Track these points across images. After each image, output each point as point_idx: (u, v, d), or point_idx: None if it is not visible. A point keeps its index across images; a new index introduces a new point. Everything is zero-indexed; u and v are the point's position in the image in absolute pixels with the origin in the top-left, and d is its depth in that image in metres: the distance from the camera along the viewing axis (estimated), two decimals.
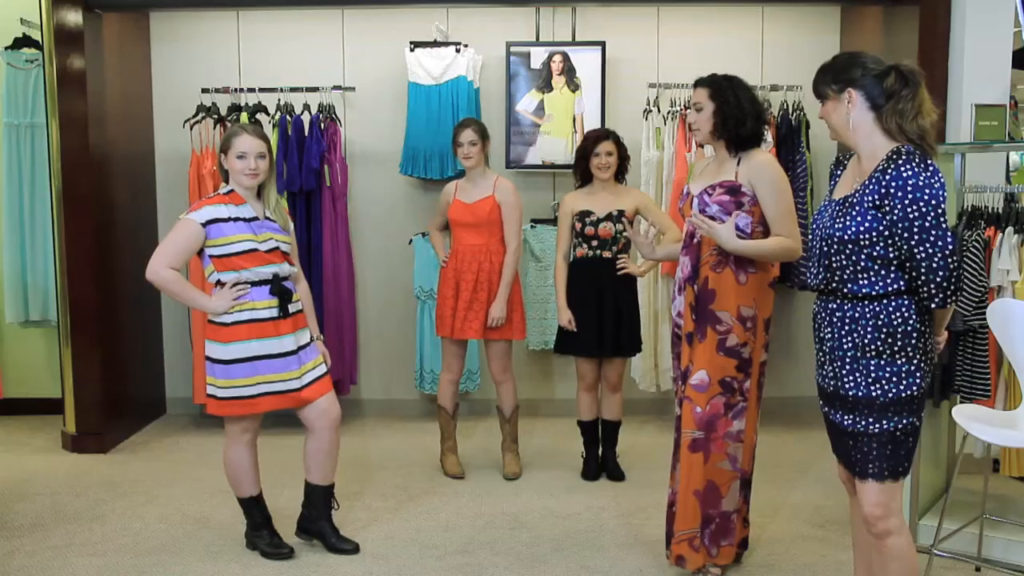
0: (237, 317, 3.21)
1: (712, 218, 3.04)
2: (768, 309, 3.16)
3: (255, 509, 3.49)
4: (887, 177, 2.31)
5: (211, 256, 3.25)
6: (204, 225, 3.21)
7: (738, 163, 3.11)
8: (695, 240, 3.12)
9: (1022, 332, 3.12)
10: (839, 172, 2.59)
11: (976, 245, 3.54)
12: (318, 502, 3.48)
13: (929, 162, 2.31)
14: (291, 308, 3.30)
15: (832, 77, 2.44)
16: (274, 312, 3.24)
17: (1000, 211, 3.73)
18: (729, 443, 3.13)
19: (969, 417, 3.01)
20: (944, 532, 3.21)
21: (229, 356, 3.21)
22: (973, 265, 3.51)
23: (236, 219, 3.23)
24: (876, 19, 4.97)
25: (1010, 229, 3.58)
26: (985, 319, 3.33)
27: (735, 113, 3.10)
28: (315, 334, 3.46)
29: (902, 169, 2.29)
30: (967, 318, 3.51)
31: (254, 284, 3.24)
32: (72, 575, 3.32)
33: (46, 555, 3.48)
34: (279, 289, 3.25)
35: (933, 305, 2.33)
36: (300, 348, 3.32)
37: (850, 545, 2.87)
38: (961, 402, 3.58)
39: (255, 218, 3.27)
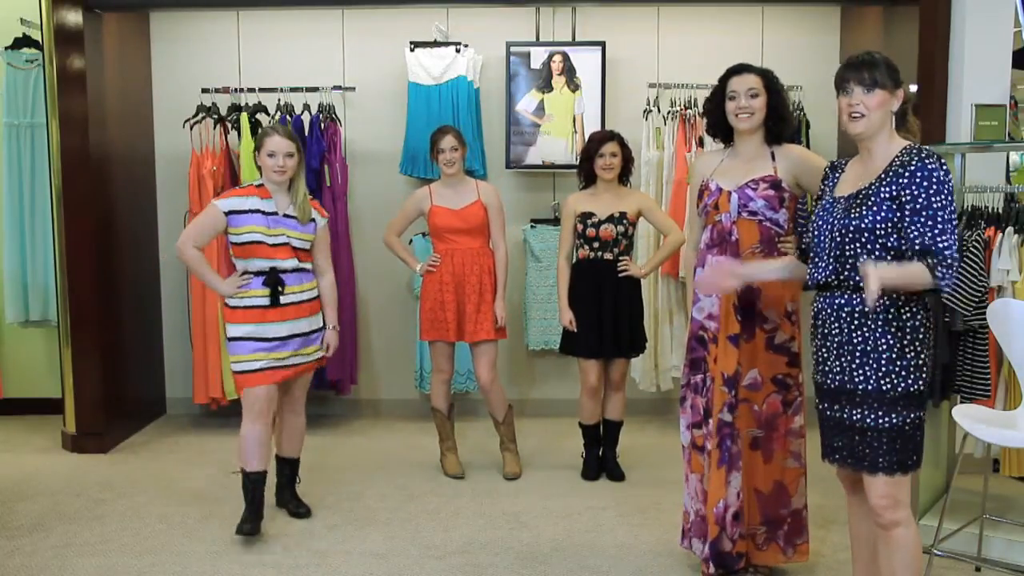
0: (239, 303, 3.57)
1: (754, 214, 3.02)
2: (800, 300, 3.16)
3: (255, 487, 3.65)
4: (911, 168, 2.41)
5: (230, 243, 3.62)
6: (226, 214, 3.55)
7: (773, 158, 3.08)
8: (733, 238, 3.06)
9: (1022, 332, 3.12)
10: (836, 175, 2.65)
11: (976, 245, 3.54)
12: (281, 471, 3.92)
13: (943, 160, 2.43)
14: (286, 299, 3.59)
15: (889, 73, 2.49)
16: (266, 301, 3.56)
17: (1000, 211, 3.73)
18: (792, 440, 3.13)
19: (969, 417, 3.01)
20: (944, 532, 3.21)
21: (232, 335, 3.58)
22: (973, 265, 3.51)
23: (255, 211, 3.56)
24: (876, 19, 4.97)
25: (1010, 229, 3.58)
26: (985, 319, 3.33)
27: (785, 106, 3.10)
28: (332, 323, 3.78)
29: (927, 162, 2.41)
30: (967, 318, 3.51)
31: (256, 274, 3.57)
32: (72, 575, 3.32)
33: (46, 555, 3.48)
34: (272, 281, 3.56)
35: (943, 282, 2.37)
36: (291, 336, 3.61)
37: (850, 546, 2.87)
38: (961, 402, 3.58)
39: (274, 213, 3.59)
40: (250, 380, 3.57)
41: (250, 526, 3.60)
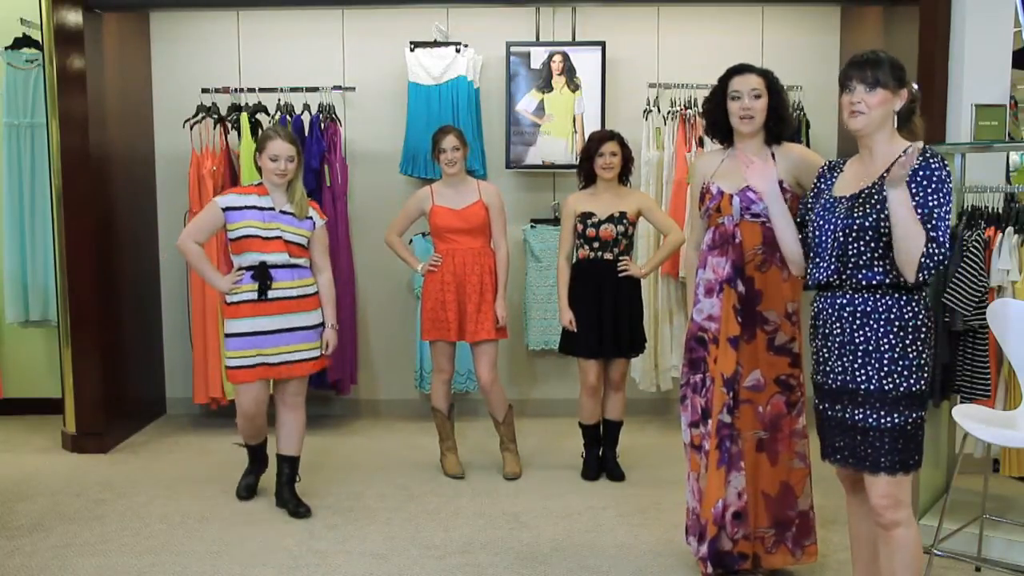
0: (233, 298, 3.70)
1: (756, 215, 3.00)
2: (800, 300, 3.15)
3: (253, 451, 4.08)
4: (914, 167, 2.41)
5: (228, 239, 3.76)
6: (224, 210, 3.70)
7: (773, 158, 3.05)
8: (736, 240, 3.05)
9: (1022, 332, 3.12)
10: (834, 175, 2.65)
11: (976, 245, 3.54)
12: (281, 470, 3.92)
13: (945, 160, 2.45)
14: (274, 294, 3.69)
15: (892, 72, 2.49)
16: (254, 295, 3.68)
17: (1000, 211, 3.73)
18: (797, 441, 3.13)
19: (969, 417, 3.01)
20: (944, 532, 3.21)
21: (228, 331, 3.73)
22: (973, 265, 3.50)
23: (251, 207, 3.70)
24: (876, 19, 4.97)
25: (1010, 229, 3.58)
26: (985, 319, 3.33)
27: (785, 107, 3.10)
28: (330, 322, 3.85)
29: (930, 162, 2.43)
30: (967, 318, 3.51)
31: (247, 269, 3.70)
32: (72, 575, 3.32)
33: (46, 555, 3.48)
34: (260, 275, 3.67)
35: (925, 260, 2.36)
36: (282, 330, 3.71)
37: (850, 546, 2.87)
38: (961, 402, 3.58)
39: (271, 208, 3.71)
40: (238, 376, 3.73)
41: (250, 479, 4.06)
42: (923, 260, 2.36)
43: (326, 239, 3.89)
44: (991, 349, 3.54)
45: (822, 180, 2.68)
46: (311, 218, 3.81)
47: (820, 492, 3.95)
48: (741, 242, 3.05)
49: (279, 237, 3.70)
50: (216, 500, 4.06)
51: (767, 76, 3.08)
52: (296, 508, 3.85)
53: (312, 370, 3.84)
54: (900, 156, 2.34)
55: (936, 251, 2.36)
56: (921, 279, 2.40)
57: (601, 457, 4.39)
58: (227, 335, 3.74)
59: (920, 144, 2.38)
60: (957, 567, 3.34)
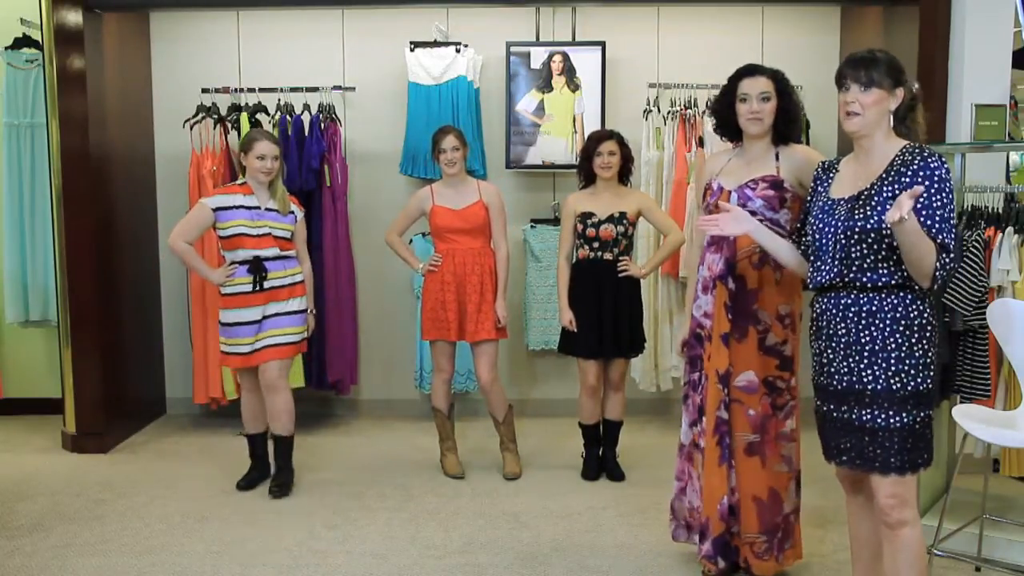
0: (227, 290, 3.98)
1: (754, 213, 2.95)
2: (800, 304, 3.13)
3: (253, 444, 4.27)
4: (914, 167, 2.42)
5: (218, 236, 4.02)
6: (214, 210, 3.94)
7: (776, 158, 3.05)
8: (732, 238, 3.01)
9: (1022, 332, 3.12)
10: (830, 175, 2.64)
11: (976, 245, 3.54)
12: (277, 450, 4.14)
13: (943, 159, 2.43)
14: (267, 284, 3.97)
15: (887, 71, 2.48)
16: (248, 287, 3.96)
17: (1000, 211, 3.73)
18: (783, 444, 3.11)
19: (969, 417, 3.01)
20: (944, 532, 3.21)
21: (222, 320, 4.03)
22: (973, 265, 3.51)
23: (239, 207, 3.96)
24: (876, 19, 4.97)
25: (1010, 229, 3.58)
26: (985, 319, 3.33)
27: (795, 108, 3.09)
28: (310, 308, 4.18)
29: (929, 161, 2.42)
30: (967, 318, 3.51)
31: (240, 263, 3.96)
32: (72, 575, 3.32)
33: (46, 555, 3.48)
34: (254, 268, 3.95)
35: (938, 273, 2.37)
36: (265, 318, 3.98)
37: (849, 546, 2.87)
38: (961, 402, 3.58)
39: (257, 207, 3.99)
40: (230, 362, 4.09)
41: (254, 475, 4.21)
42: (937, 271, 2.36)
43: (304, 231, 4.22)
44: (991, 349, 3.54)
45: (818, 182, 2.67)
46: (293, 212, 4.10)
47: (819, 492, 3.96)
48: (736, 239, 3.03)
49: (269, 234, 3.99)
50: (216, 500, 4.06)
51: (777, 78, 3.06)
52: (277, 488, 4.05)
53: (292, 354, 4.10)
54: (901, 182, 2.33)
55: (947, 258, 2.36)
56: (936, 288, 2.40)
57: (601, 457, 4.39)
58: (221, 324, 4.03)
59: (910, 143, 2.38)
60: (957, 567, 3.34)
